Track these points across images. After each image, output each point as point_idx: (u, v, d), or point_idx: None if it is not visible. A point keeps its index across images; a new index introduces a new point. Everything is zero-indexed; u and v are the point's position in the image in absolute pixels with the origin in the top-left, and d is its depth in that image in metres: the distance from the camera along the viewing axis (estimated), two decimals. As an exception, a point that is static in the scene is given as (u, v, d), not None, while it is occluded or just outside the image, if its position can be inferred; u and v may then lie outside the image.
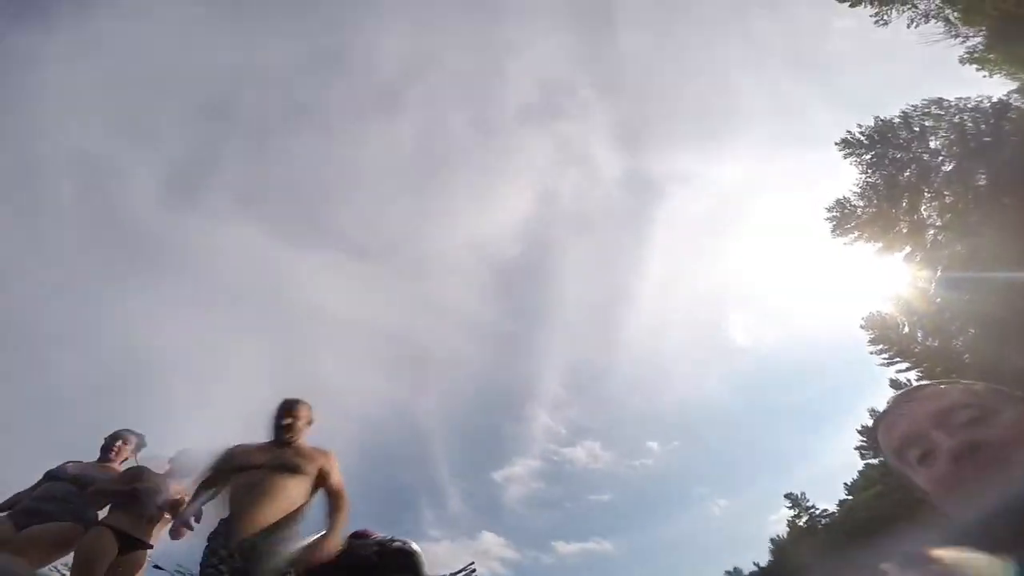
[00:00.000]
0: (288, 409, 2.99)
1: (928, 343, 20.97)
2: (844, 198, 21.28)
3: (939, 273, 20.16)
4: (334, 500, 2.82)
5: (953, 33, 21.45)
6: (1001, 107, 21.00)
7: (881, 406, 0.99)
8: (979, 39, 20.95)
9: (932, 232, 20.95)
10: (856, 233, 20.89)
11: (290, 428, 2.93)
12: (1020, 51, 19.39)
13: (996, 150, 20.13)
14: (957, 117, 21.61)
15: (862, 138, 21.57)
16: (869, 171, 21.37)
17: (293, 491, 2.72)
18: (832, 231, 21.15)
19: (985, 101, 21.78)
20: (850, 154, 21.48)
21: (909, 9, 21.23)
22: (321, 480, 2.85)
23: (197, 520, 2.76)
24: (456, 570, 3.18)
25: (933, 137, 21.52)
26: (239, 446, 2.94)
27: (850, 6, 21.20)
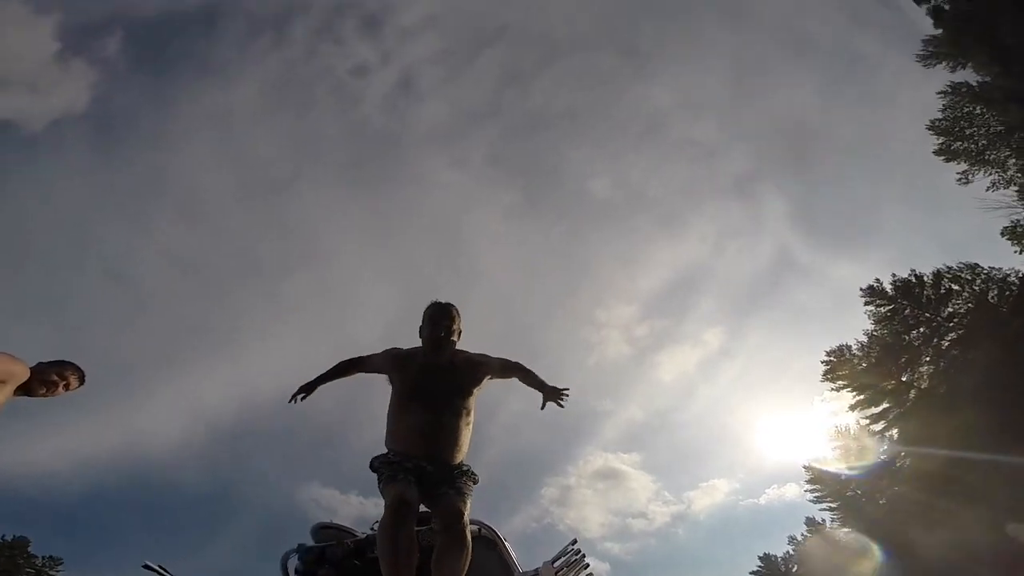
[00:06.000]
0: (451, 314, 2.86)
1: (856, 495, 22.97)
2: (845, 346, 21.87)
3: (894, 436, 21.67)
4: (519, 368, 2.90)
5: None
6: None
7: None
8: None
9: (913, 394, 22.05)
10: (844, 382, 21.83)
11: (449, 336, 2.82)
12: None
13: (1007, 325, 20.63)
14: (983, 285, 21.75)
15: (887, 289, 21.60)
16: (880, 324, 21.77)
17: (465, 417, 2.77)
18: (824, 375, 21.98)
19: (1013, 274, 21.88)
20: (870, 303, 21.64)
21: (996, 172, 20.35)
22: (488, 373, 2.87)
23: (309, 393, 2.93)
24: (561, 551, 3.38)
25: (955, 301, 21.73)
26: (397, 350, 2.95)
27: (944, 160, 20.14)
